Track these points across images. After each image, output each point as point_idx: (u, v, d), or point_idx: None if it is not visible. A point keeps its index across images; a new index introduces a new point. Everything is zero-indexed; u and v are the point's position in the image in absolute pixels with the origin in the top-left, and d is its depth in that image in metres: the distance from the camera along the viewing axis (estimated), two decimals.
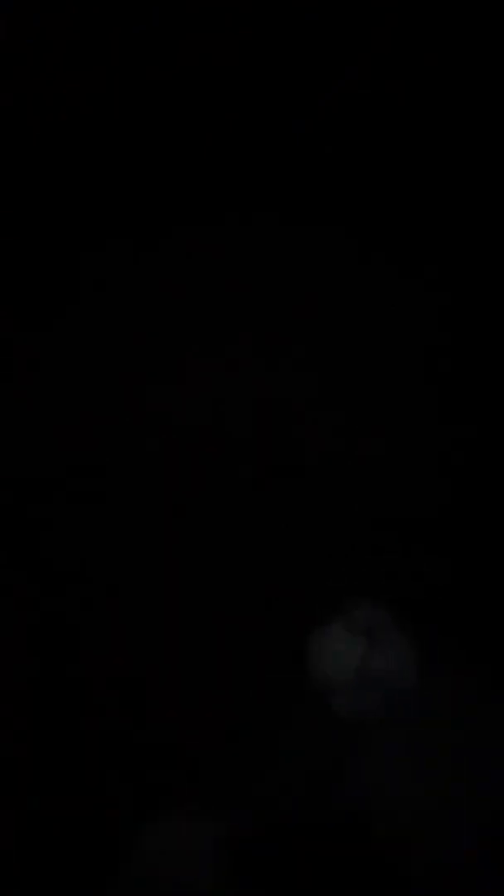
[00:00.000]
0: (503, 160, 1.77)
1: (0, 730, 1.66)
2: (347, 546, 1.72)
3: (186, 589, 1.72)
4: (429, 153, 1.77)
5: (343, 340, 1.77)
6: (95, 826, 1.63)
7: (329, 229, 1.78)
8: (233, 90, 1.75)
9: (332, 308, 1.78)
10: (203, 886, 1.55)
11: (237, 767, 1.62)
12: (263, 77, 1.74)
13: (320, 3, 1.70)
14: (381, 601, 1.67)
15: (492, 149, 1.77)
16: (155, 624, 1.71)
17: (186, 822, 1.59)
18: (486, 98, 1.75)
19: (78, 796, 1.65)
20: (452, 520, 1.72)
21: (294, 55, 1.72)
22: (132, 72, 1.73)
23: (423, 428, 1.76)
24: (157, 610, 1.71)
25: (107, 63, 1.73)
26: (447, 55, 1.73)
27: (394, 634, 1.66)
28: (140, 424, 1.75)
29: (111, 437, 1.75)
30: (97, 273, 1.79)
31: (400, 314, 1.78)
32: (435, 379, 1.77)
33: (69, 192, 1.79)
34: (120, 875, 1.56)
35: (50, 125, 1.76)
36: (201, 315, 1.78)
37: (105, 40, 1.72)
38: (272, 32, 1.71)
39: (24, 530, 1.74)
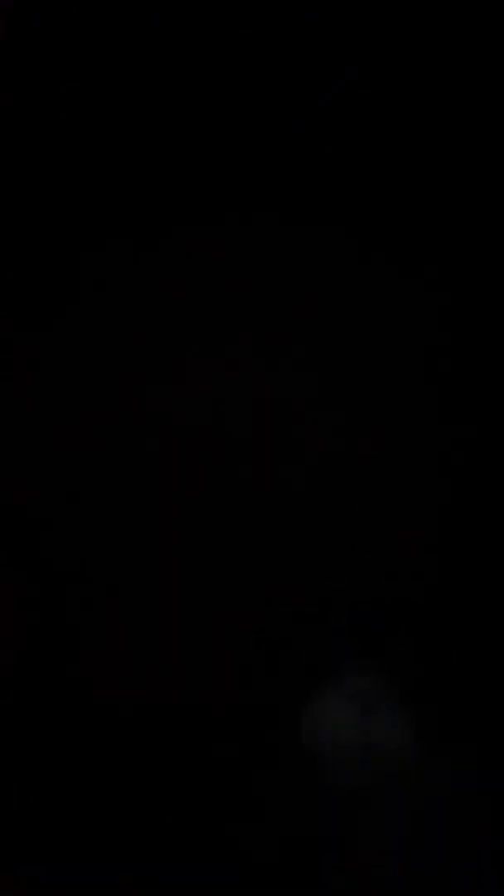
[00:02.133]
0: (503, 160, 1.77)
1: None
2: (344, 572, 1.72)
3: (186, 590, 1.72)
4: (429, 153, 1.77)
5: (343, 340, 1.77)
6: (92, 832, 1.63)
7: (329, 229, 1.78)
8: (233, 90, 1.75)
9: (332, 308, 1.78)
10: None
11: (225, 832, 1.62)
12: (263, 77, 1.74)
13: (320, 3, 1.70)
14: (377, 667, 1.66)
15: (492, 149, 1.77)
16: (154, 625, 1.71)
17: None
18: (486, 98, 1.75)
19: (77, 801, 1.65)
20: (454, 550, 1.72)
21: (294, 55, 1.72)
22: (132, 72, 1.73)
23: (423, 428, 1.75)
24: (157, 610, 1.71)
25: (107, 63, 1.73)
26: (447, 55, 1.72)
27: (391, 703, 1.64)
28: (140, 424, 1.75)
29: (111, 436, 1.75)
30: (97, 273, 1.78)
31: (400, 314, 1.78)
32: (435, 378, 1.77)
33: (69, 192, 1.78)
34: None
35: (50, 125, 1.76)
36: (201, 315, 1.78)
37: (105, 40, 1.71)
38: (272, 32, 1.71)
39: (24, 530, 1.74)
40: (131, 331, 1.78)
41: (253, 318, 1.78)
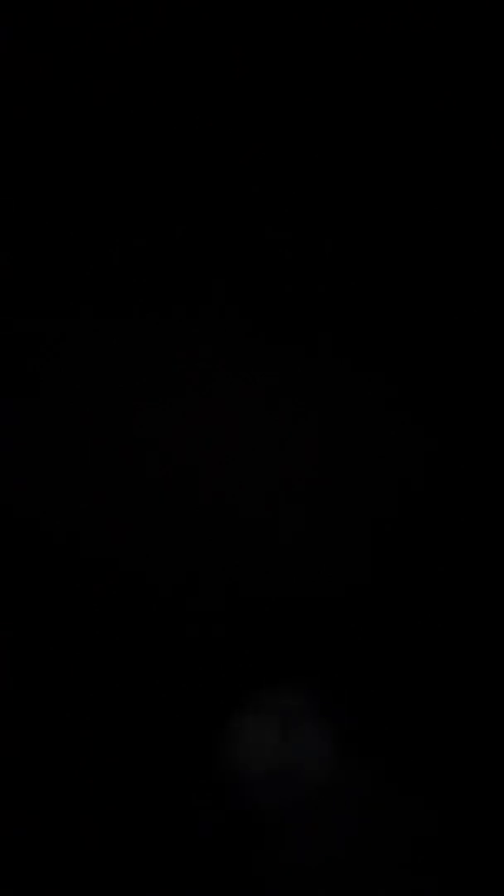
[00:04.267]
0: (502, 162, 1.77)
1: None
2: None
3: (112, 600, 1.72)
4: (429, 157, 1.77)
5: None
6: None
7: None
8: (234, 93, 1.75)
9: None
10: None
11: (145, 850, 1.61)
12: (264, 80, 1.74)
13: (320, 3, 1.70)
14: (299, 684, 1.65)
15: (493, 153, 1.77)
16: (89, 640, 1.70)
17: None
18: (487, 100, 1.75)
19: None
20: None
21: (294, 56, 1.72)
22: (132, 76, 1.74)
23: (362, 434, 1.75)
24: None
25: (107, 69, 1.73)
26: (447, 55, 1.73)
27: (311, 721, 1.63)
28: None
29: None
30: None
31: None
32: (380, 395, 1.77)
33: (70, 206, 1.78)
34: None
35: (49, 133, 1.76)
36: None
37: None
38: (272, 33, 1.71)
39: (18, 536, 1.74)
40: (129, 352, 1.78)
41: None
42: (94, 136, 1.77)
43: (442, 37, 1.74)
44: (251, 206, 1.79)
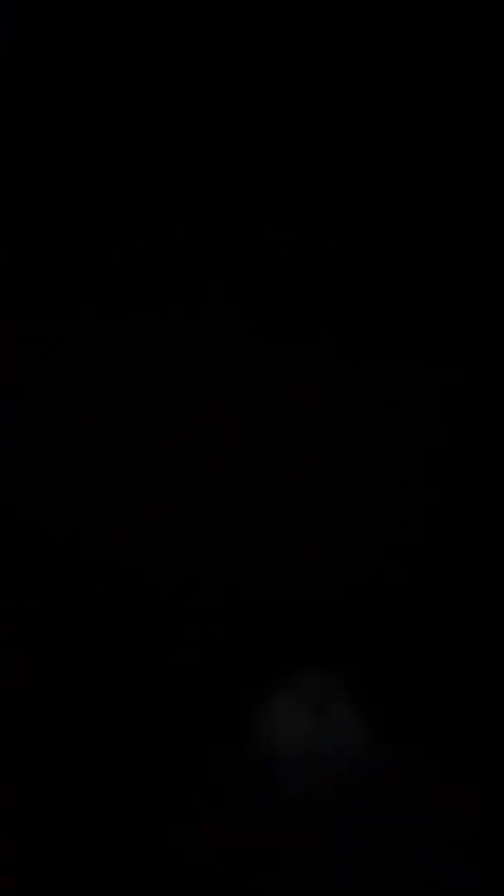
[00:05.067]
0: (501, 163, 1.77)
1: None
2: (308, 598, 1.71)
3: (140, 589, 1.72)
4: (428, 157, 1.77)
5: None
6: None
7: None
8: (234, 93, 1.75)
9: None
10: None
11: (176, 841, 1.61)
12: (264, 80, 1.74)
13: (319, 3, 1.70)
14: (331, 669, 1.65)
15: (493, 153, 1.77)
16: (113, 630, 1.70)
17: None
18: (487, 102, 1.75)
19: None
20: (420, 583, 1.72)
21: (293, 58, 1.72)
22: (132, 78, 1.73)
23: (386, 435, 1.75)
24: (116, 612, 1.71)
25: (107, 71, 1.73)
26: (447, 55, 1.73)
27: (344, 707, 1.63)
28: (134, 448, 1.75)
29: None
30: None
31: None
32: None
33: (72, 212, 1.78)
34: None
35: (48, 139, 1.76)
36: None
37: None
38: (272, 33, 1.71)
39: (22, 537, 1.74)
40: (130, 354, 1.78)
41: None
42: (95, 136, 1.77)
43: (442, 37, 1.74)
44: (251, 206, 1.78)
